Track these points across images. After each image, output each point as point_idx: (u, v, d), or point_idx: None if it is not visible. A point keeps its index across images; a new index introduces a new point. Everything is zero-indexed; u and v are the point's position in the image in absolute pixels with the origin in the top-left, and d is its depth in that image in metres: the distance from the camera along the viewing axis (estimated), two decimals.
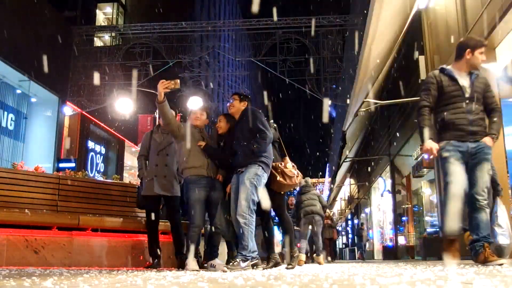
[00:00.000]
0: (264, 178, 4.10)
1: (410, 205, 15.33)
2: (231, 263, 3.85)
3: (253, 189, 3.94)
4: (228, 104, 4.49)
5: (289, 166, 4.50)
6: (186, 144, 4.33)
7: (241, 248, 3.88)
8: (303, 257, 7.47)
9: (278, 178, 4.34)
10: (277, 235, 6.69)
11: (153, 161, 4.68)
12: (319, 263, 7.92)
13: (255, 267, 3.99)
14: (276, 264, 4.42)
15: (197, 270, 3.95)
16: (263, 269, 4.01)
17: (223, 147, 4.49)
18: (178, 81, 4.11)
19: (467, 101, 3.68)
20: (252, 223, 3.93)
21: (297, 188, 8.18)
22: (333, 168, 20.55)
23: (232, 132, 4.38)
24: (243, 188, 3.94)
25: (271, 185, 4.33)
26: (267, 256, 4.65)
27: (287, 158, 4.61)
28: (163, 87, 4.09)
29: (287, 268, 4.40)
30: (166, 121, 4.33)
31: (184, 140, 4.35)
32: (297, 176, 4.53)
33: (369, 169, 22.22)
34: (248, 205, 3.89)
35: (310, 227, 8.28)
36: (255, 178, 3.96)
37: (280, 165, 4.43)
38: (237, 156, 4.15)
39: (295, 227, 7.48)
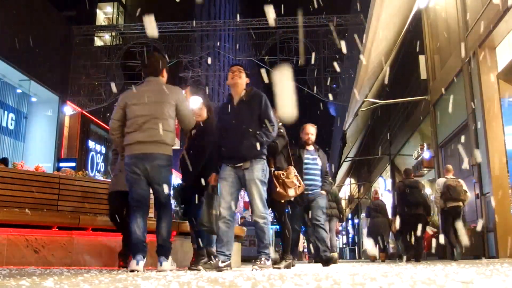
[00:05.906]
0: (267, 171, 3.91)
1: None
2: (259, 262, 3.72)
3: (263, 186, 3.81)
4: (230, 74, 4.03)
5: (291, 177, 4.29)
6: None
7: (264, 247, 3.80)
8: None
9: (278, 189, 4.19)
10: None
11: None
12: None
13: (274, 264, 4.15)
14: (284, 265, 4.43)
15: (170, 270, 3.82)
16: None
17: (194, 137, 4.25)
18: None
19: None
20: (270, 221, 3.93)
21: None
22: (334, 167, 20.54)
23: (206, 124, 4.22)
24: (255, 188, 3.75)
25: (272, 194, 4.18)
26: (281, 255, 4.64)
27: (292, 168, 4.39)
28: None
29: (273, 267, 4.30)
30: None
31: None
32: (298, 187, 4.30)
33: (369, 168, 22.21)
34: (264, 205, 3.79)
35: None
36: (263, 176, 3.81)
37: (282, 175, 4.25)
38: (237, 145, 3.74)
39: None
